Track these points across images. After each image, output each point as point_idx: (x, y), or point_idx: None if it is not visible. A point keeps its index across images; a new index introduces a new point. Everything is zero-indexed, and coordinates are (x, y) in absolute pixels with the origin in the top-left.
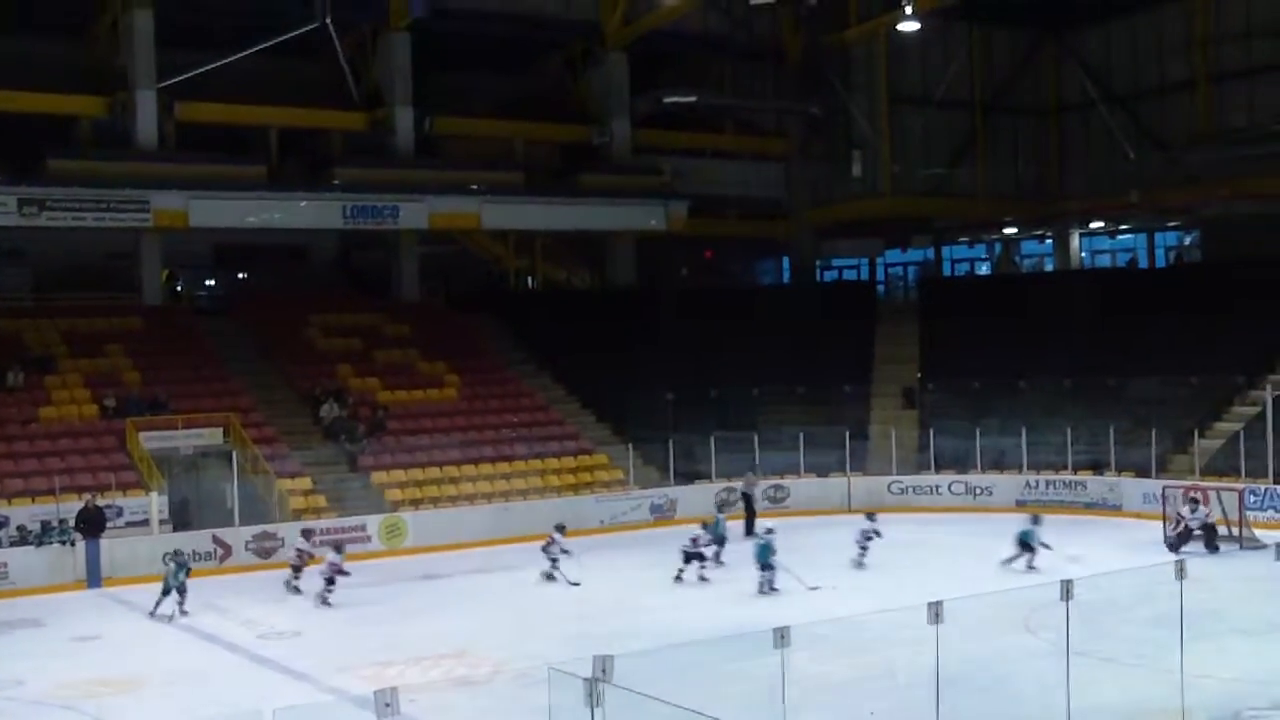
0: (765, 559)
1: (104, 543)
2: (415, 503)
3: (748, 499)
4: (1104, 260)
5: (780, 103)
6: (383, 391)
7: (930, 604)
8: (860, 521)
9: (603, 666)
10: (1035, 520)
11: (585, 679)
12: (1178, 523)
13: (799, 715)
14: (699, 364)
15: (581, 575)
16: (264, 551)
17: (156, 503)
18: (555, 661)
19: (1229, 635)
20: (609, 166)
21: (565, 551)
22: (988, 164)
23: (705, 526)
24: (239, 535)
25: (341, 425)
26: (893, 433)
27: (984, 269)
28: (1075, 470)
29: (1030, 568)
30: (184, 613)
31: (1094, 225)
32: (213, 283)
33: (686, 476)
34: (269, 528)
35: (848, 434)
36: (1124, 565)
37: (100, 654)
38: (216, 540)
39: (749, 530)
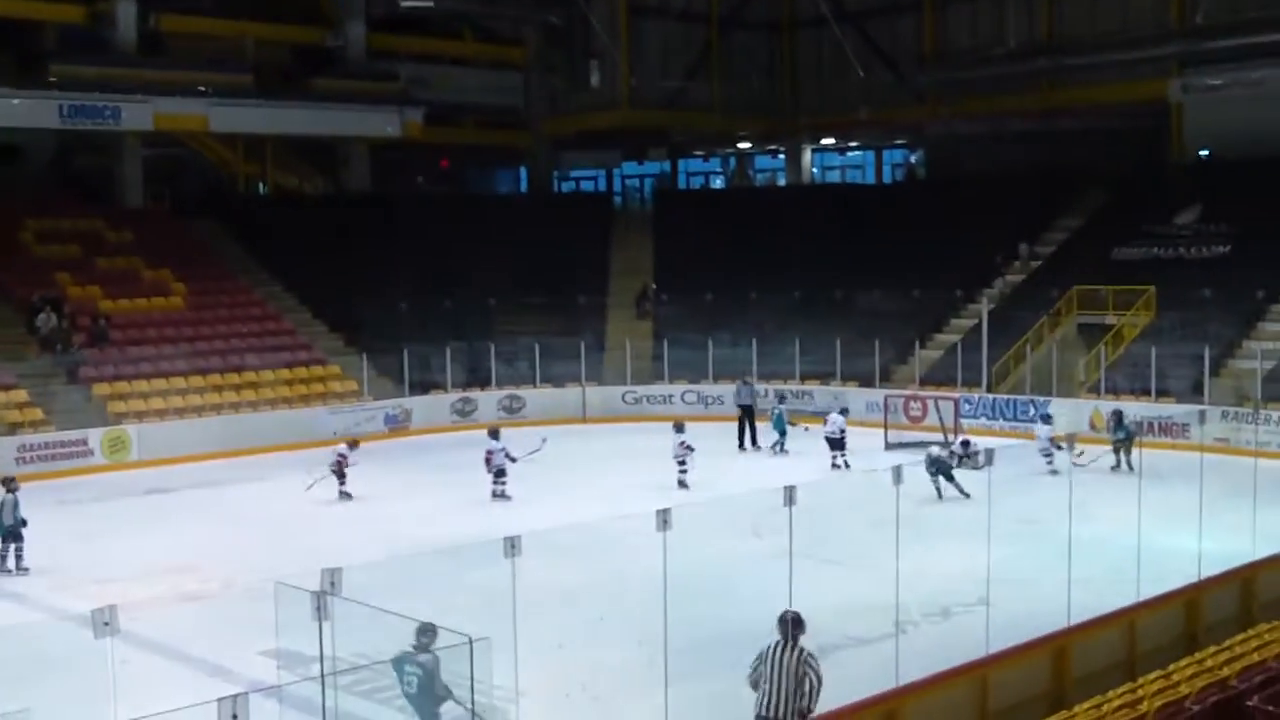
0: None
1: None
2: (140, 415)
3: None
4: (834, 176)
5: (519, 10)
6: (104, 300)
7: (659, 510)
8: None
9: (331, 579)
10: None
11: (313, 592)
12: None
13: (529, 622)
14: (434, 273)
15: (312, 488)
16: None
17: None
18: (285, 575)
19: (941, 537)
20: (343, 70)
21: (690, 448)
22: (723, 78)
23: (492, 435)
24: None
25: (59, 335)
26: (627, 343)
27: (718, 183)
28: (803, 380)
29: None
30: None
31: (825, 141)
32: None
33: (422, 387)
34: None
35: (583, 345)
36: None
37: None
38: None
39: (752, 441)
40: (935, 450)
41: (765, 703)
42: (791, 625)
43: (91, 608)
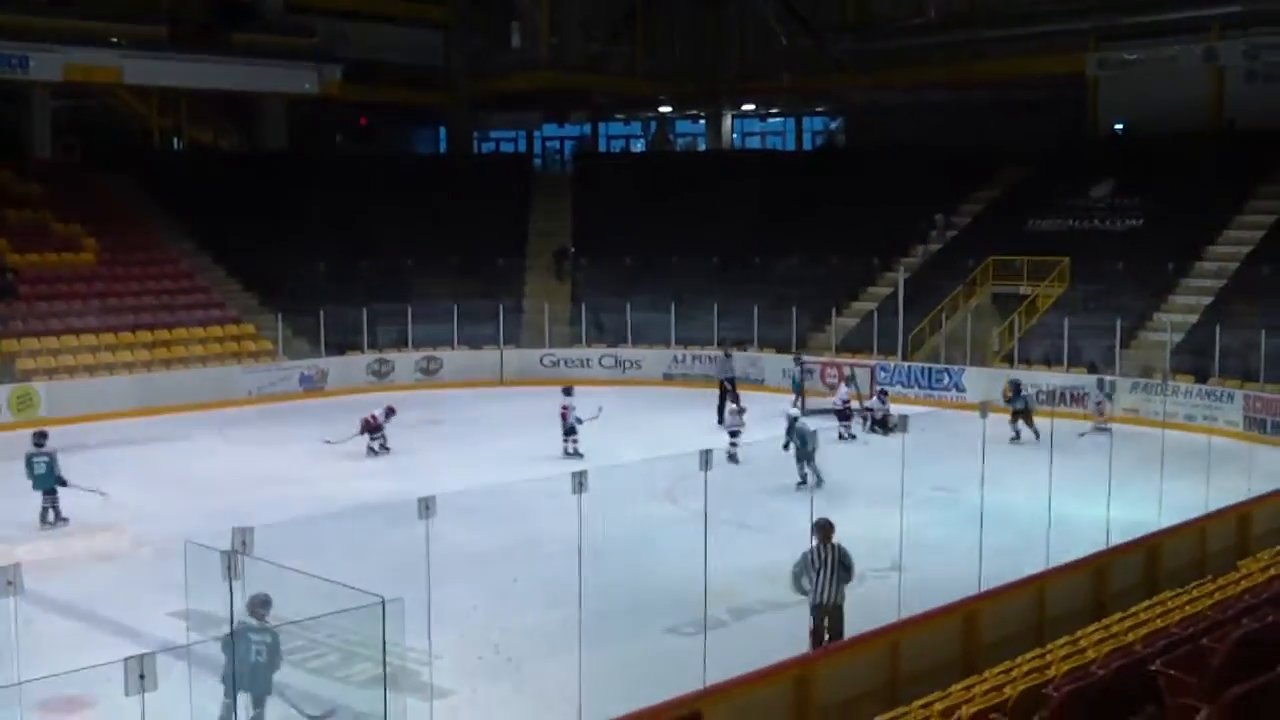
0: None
1: None
2: (49, 373)
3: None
4: (754, 142)
5: None
6: (12, 254)
7: (574, 474)
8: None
9: (243, 539)
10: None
11: (223, 552)
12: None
13: (443, 585)
14: (352, 233)
15: (226, 447)
16: None
17: None
18: (199, 535)
19: (856, 503)
20: (260, 24)
21: (744, 408)
22: (646, 42)
23: (566, 393)
24: None
25: None
26: (546, 306)
27: (639, 147)
28: (720, 345)
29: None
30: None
31: (746, 108)
32: None
33: (338, 348)
34: None
35: (501, 307)
36: (764, 436)
37: None
38: None
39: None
40: (795, 412)
41: (818, 592)
42: (825, 529)
43: None
